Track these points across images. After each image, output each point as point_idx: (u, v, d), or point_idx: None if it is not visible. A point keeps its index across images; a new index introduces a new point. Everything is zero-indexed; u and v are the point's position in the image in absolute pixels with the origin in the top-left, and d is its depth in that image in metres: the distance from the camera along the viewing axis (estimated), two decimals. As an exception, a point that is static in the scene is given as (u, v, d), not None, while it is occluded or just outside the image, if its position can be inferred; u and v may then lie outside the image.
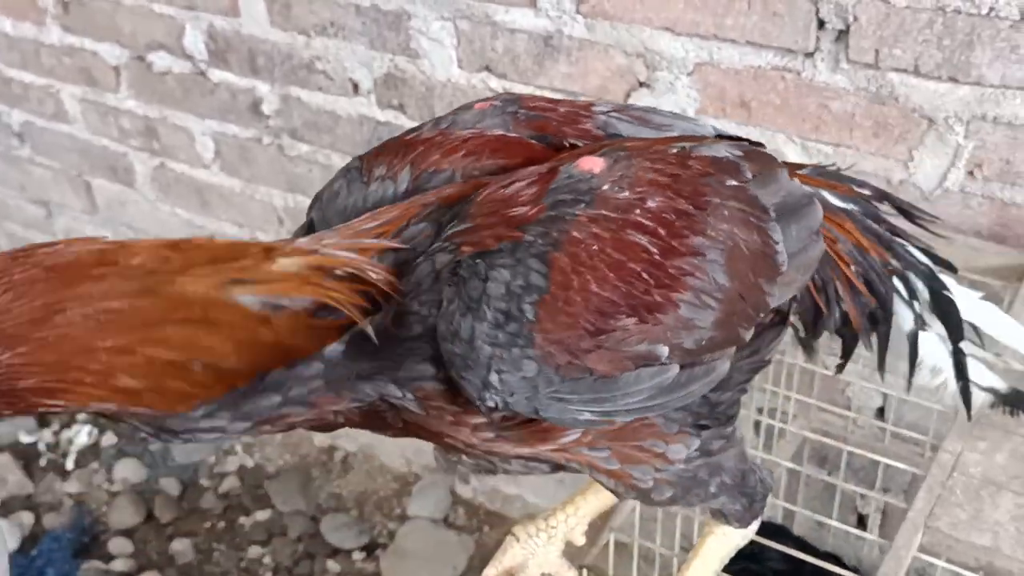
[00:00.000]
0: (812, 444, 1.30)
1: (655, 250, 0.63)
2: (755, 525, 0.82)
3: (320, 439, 2.11)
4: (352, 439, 2.09)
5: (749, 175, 0.69)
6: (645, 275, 0.62)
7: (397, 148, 0.72)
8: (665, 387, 0.63)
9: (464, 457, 0.72)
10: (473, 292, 0.59)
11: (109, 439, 2.15)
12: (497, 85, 1.42)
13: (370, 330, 0.60)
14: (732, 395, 0.73)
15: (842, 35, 1.13)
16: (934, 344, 0.82)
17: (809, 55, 1.16)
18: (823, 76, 1.17)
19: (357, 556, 1.88)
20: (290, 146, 1.72)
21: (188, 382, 0.58)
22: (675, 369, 0.63)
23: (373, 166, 0.71)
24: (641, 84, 1.30)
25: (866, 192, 0.83)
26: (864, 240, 0.79)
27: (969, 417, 0.83)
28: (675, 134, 0.77)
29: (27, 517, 1.95)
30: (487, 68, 1.41)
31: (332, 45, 1.54)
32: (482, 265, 0.60)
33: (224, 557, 1.90)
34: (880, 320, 0.81)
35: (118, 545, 1.91)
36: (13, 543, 1.87)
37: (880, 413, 1.35)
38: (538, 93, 1.14)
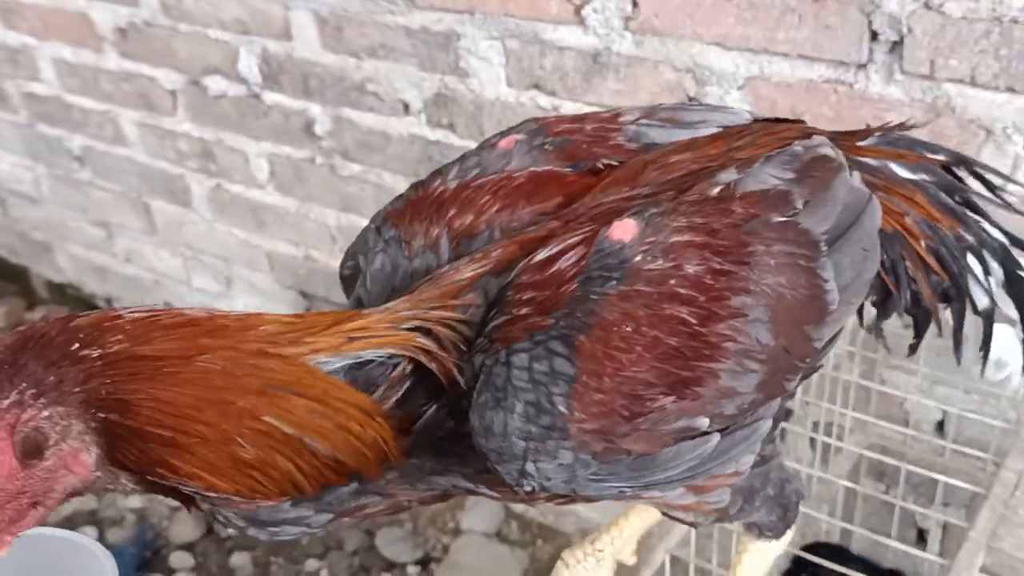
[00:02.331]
0: (869, 461, 1.28)
1: (693, 320, 0.59)
2: (789, 535, 0.80)
3: (374, 454, 2.13)
4: (406, 454, 2.10)
5: (799, 204, 0.64)
6: (683, 350, 0.59)
7: (428, 211, 0.70)
8: (707, 456, 0.61)
9: None
10: (498, 380, 0.57)
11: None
12: (546, 103, 1.42)
13: (460, 379, 0.60)
14: (783, 401, 0.71)
15: (896, 46, 1.12)
16: (1003, 334, 0.78)
17: (862, 67, 1.15)
18: (877, 87, 1.16)
19: (412, 570, 1.90)
20: (342, 166, 1.75)
21: (296, 465, 0.58)
22: (716, 438, 0.61)
23: (411, 237, 0.69)
24: (691, 99, 1.29)
25: (941, 157, 0.78)
26: (936, 212, 0.75)
27: None
28: (711, 131, 0.73)
29: (91, 532, 2.00)
30: (536, 86, 1.42)
31: (382, 67, 1.57)
32: (504, 352, 0.58)
33: (282, 570, 1.92)
34: (953, 298, 0.76)
35: (179, 559, 1.94)
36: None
37: (939, 428, 1.33)
38: (587, 110, 1.14)
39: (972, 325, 0.80)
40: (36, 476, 0.55)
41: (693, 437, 0.60)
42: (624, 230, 0.61)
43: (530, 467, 0.58)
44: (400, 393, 0.60)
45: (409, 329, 0.61)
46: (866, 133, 0.79)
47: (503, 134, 0.75)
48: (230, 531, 0.61)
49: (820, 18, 1.15)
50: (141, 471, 0.57)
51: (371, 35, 1.54)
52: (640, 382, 0.58)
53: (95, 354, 0.55)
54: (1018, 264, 0.78)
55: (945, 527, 1.41)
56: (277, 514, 0.59)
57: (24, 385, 0.54)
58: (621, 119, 0.74)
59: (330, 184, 1.79)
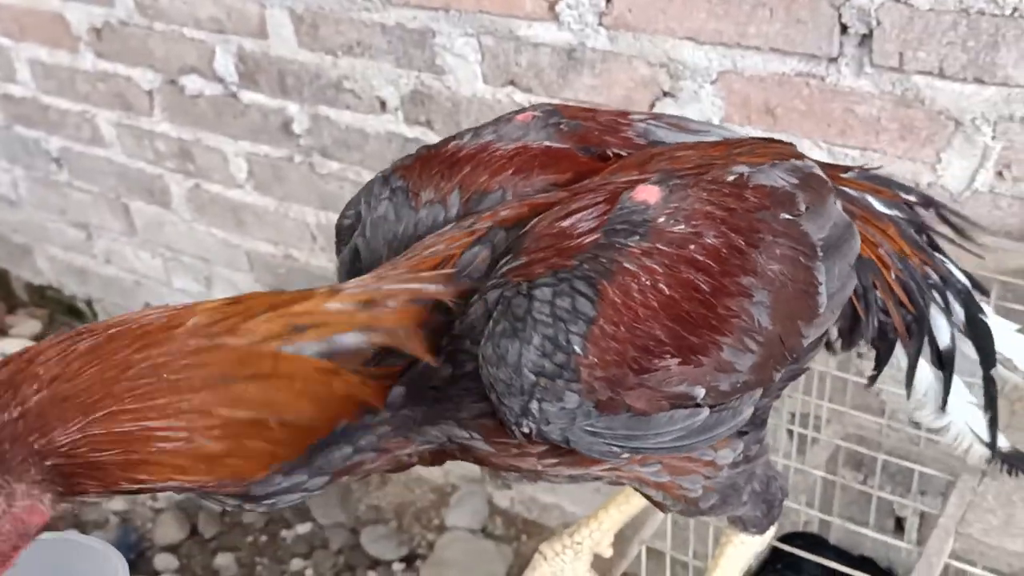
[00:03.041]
0: (846, 451, 1.29)
1: (707, 288, 0.61)
2: (772, 531, 0.82)
3: (358, 452, 2.13)
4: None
5: (803, 207, 0.67)
6: (694, 315, 0.60)
7: (441, 167, 0.70)
8: (694, 429, 0.62)
9: (513, 475, 0.73)
10: (518, 310, 0.58)
11: (152, 456, 2.18)
12: (522, 99, 1.43)
13: (431, 359, 0.59)
14: (770, 400, 0.73)
15: (865, 39, 1.13)
16: (954, 388, 0.81)
17: (833, 60, 1.16)
18: (848, 81, 1.17)
19: (397, 567, 1.90)
20: (321, 164, 1.75)
21: (268, 440, 0.57)
22: (705, 412, 0.62)
23: (420, 189, 0.69)
24: (665, 94, 1.30)
25: (912, 199, 0.82)
26: (906, 248, 0.78)
27: (991, 460, 0.82)
28: (713, 139, 0.75)
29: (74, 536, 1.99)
30: (512, 83, 1.43)
31: (359, 64, 1.57)
32: (526, 285, 0.58)
33: (267, 570, 1.92)
34: (914, 333, 0.79)
35: (164, 561, 1.94)
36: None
37: (916, 416, 1.34)
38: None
39: (928, 371, 0.83)
40: (3, 532, 0.54)
41: (687, 407, 0.62)
42: (648, 193, 0.63)
43: (534, 405, 0.58)
44: (371, 354, 0.59)
45: (363, 308, 0.60)
46: (847, 168, 0.83)
47: (519, 111, 0.76)
48: (228, 507, 0.60)
49: (791, 12, 1.16)
50: (109, 492, 0.56)
51: (347, 32, 1.54)
52: (653, 338, 0.59)
53: (15, 414, 0.53)
54: (979, 308, 0.81)
55: (922, 516, 1.43)
56: (269, 487, 0.58)
57: None
58: (631, 116, 0.76)
59: (309, 182, 1.79)
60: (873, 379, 0.86)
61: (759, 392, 0.67)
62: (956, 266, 0.82)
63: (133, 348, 0.55)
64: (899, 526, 1.46)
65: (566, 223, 0.62)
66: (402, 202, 0.69)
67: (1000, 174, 1.13)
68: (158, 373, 0.55)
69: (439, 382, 0.60)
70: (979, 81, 1.09)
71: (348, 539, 1.96)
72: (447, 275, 0.62)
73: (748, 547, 0.82)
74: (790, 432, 1.25)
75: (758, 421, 0.72)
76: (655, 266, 0.60)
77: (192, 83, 1.81)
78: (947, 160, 1.15)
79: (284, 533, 1.99)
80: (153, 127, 1.94)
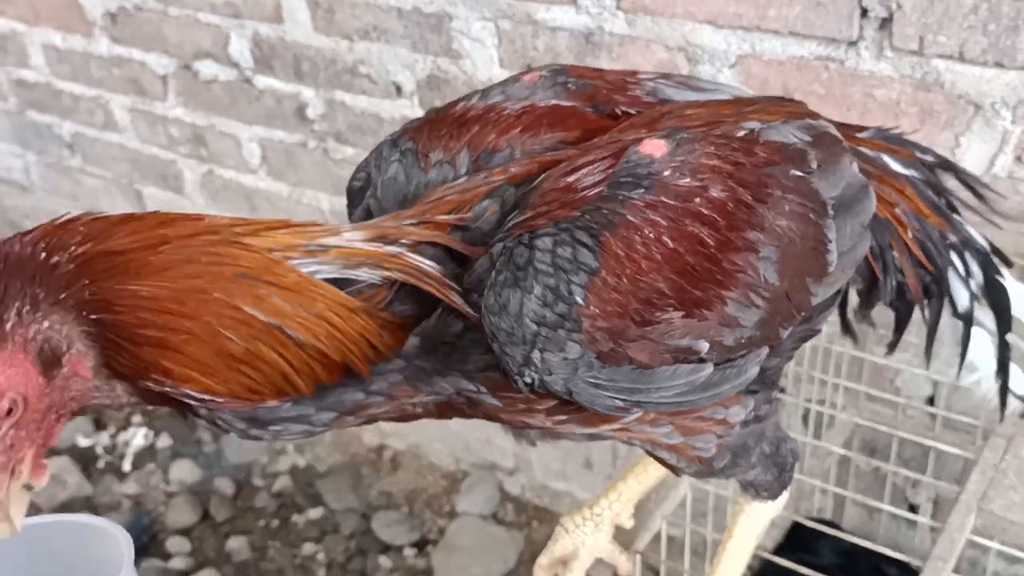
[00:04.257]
0: (862, 432, 1.29)
1: (712, 243, 0.61)
2: (784, 496, 0.82)
3: (369, 438, 2.14)
4: (401, 438, 2.11)
5: (814, 164, 0.67)
6: (698, 269, 0.61)
7: (450, 128, 0.70)
8: (698, 385, 0.63)
9: (534, 432, 0.73)
10: (519, 259, 0.58)
11: (165, 441, 2.19)
12: (539, 83, 1.43)
13: (457, 299, 0.60)
14: (780, 361, 0.73)
15: (885, 23, 1.13)
16: (977, 339, 0.80)
17: (852, 44, 1.16)
18: (867, 64, 1.17)
19: (408, 552, 1.91)
20: (335, 149, 1.75)
21: (282, 357, 0.58)
22: (709, 368, 0.63)
23: (429, 149, 0.69)
24: (683, 78, 1.30)
25: (929, 159, 0.81)
26: (924, 207, 0.78)
27: (1002, 418, 0.82)
28: (724, 97, 0.75)
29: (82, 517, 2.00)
30: (529, 67, 1.43)
31: (375, 49, 1.57)
32: (527, 235, 0.59)
33: (279, 554, 1.93)
34: (934, 294, 0.79)
35: (176, 544, 1.95)
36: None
37: (930, 401, 1.35)
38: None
39: (950, 326, 0.83)
40: (56, 387, 0.56)
41: (690, 361, 0.62)
42: (654, 147, 0.63)
43: (536, 355, 0.58)
44: (390, 296, 0.60)
45: (379, 243, 0.61)
46: (863, 128, 0.82)
47: (526, 71, 0.76)
48: (234, 431, 0.61)
49: (811, -5, 1.16)
50: (136, 377, 0.57)
51: (363, 17, 1.54)
52: (655, 290, 0.59)
53: (64, 258, 0.55)
54: (997, 270, 0.81)
55: (936, 501, 1.43)
56: (277, 413, 0.59)
57: (16, 304, 0.54)
58: (639, 76, 0.76)
59: (323, 168, 1.79)
60: (893, 345, 0.85)
61: (765, 351, 0.67)
62: (975, 230, 0.81)
63: (165, 227, 0.57)
64: (912, 513, 1.47)
65: (572, 178, 0.62)
66: (412, 163, 0.69)
67: (1020, 159, 1.13)
68: (192, 255, 0.56)
69: (451, 337, 0.61)
70: (999, 65, 1.09)
71: (359, 524, 1.97)
72: (458, 223, 0.63)
73: (761, 515, 0.82)
74: (806, 413, 1.25)
75: (768, 381, 0.72)
76: (659, 219, 0.60)
77: (207, 68, 1.81)
78: (966, 145, 1.16)
79: (296, 518, 2.00)
80: (167, 112, 1.95)
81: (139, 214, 0.59)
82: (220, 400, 0.58)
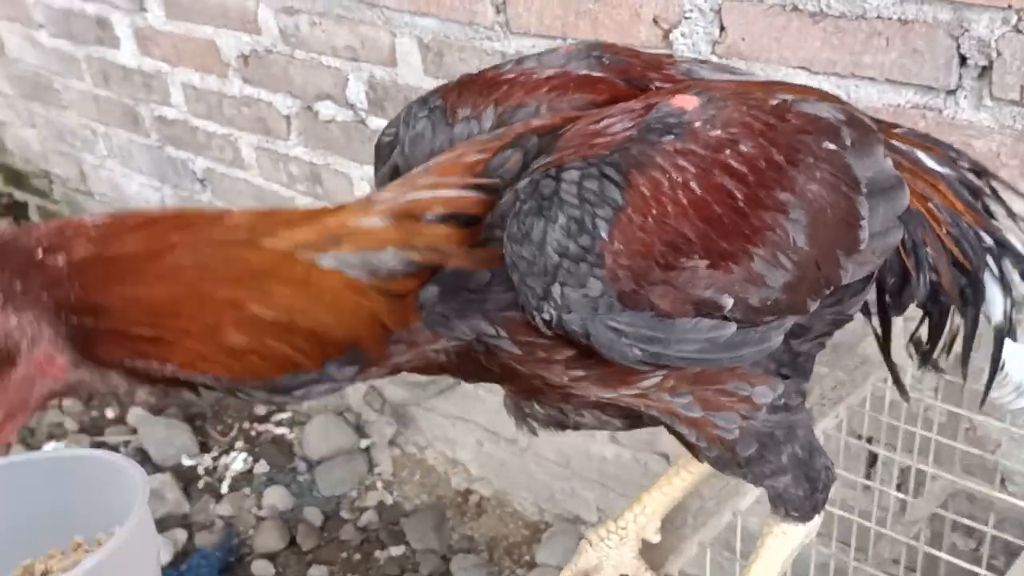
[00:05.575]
0: (954, 510, 1.21)
1: (740, 197, 0.61)
2: (817, 520, 0.78)
3: (457, 482, 2.14)
4: (488, 484, 2.11)
5: (848, 141, 0.66)
6: (725, 220, 0.60)
7: (480, 86, 0.71)
8: (719, 343, 0.61)
9: (536, 406, 0.71)
10: (545, 190, 0.58)
11: (262, 467, 2.26)
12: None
13: (480, 266, 0.59)
14: (812, 347, 0.71)
15: (985, 71, 1.09)
16: (1019, 357, 0.76)
17: (951, 92, 1.13)
18: (966, 114, 1.13)
19: (484, 598, 1.89)
20: (438, 190, 1.79)
21: (290, 345, 0.59)
22: (732, 328, 0.62)
23: (457, 107, 0.70)
24: (776, 125, 1.29)
25: (964, 164, 0.79)
26: (959, 205, 0.75)
27: None
28: (759, 79, 0.75)
29: (181, 534, 2.07)
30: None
31: (480, 92, 1.61)
32: (554, 169, 0.59)
33: (357, 588, 1.95)
34: (970, 300, 0.75)
35: (261, 567, 1.99)
36: (166, 556, 1.99)
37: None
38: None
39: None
40: (10, 386, 0.55)
41: (713, 317, 0.61)
42: (686, 101, 0.63)
43: (556, 289, 0.58)
44: (407, 272, 0.60)
45: (398, 222, 0.61)
46: (897, 125, 0.81)
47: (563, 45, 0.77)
48: (256, 399, 0.61)
49: (907, 41, 1.14)
50: (130, 373, 0.58)
51: (469, 60, 1.60)
52: (681, 235, 0.59)
53: (60, 261, 0.55)
54: None
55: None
56: (296, 379, 0.59)
57: None
58: (675, 58, 0.77)
59: (426, 208, 1.84)
60: (927, 356, 0.81)
61: (791, 321, 0.65)
62: (1013, 236, 0.78)
63: (179, 232, 0.58)
64: None
65: (599, 125, 0.62)
66: (439, 119, 0.70)
67: None
68: (199, 259, 0.57)
69: (473, 284, 0.60)
70: (1108, 116, 1.04)
71: (439, 565, 1.96)
72: (477, 179, 0.62)
73: (790, 538, 0.78)
74: (897, 487, 1.19)
75: (800, 368, 0.70)
76: (688, 165, 0.60)
77: (326, 109, 1.90)
78: (1071, 199, 1.09)
79: (378, 553, 2.02)
80: (288, 151, 2.05)
81: (161, 216, 0.60)
82: (227, 380, 0.59)
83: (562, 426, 0.74)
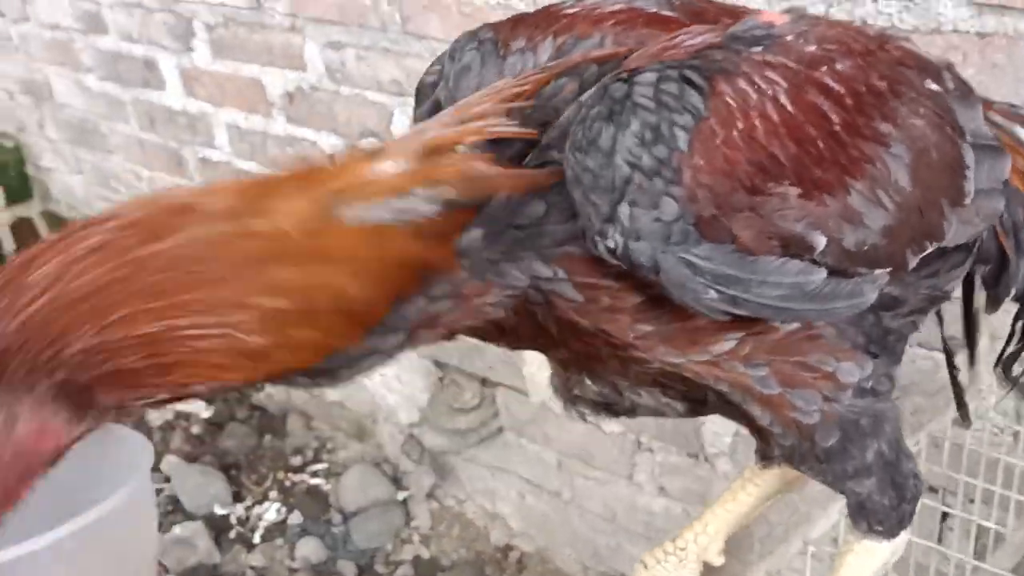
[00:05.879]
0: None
1: (837, 120, 0.54)
2: (903, 539, 0.68)
3: (497, 536, 2.05)
4: (530, 539, 2.01)
5: (951, 85, 0.61)
6: (821, 144, 0.53)
7: (538, 19, 0.63)
8: (806, 292, 0.54)
9: (588, 383, 0.63)
10: (616, 93, 0.50)
11: (296, 518, 2.18)
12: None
13: (524, 187, 0.51)
14: (904, 323, 0.64)
15: (1072, 84, 1.02)
16: None
17: (1033, 109, 1.06)
18: (1050, 131, 1.06)
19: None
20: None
21: (318, 328, 0.50)
22: (822, 274, 0.54)
23: (510, 39, 0.62)
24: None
25: None
26: None
27: None
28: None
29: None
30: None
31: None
32: (626, 74, 0.51)
33: (391, 645, 1.85)
34: None
35: (291, 621, 1.91)
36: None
37: None
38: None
39: None
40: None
41: (802, 259, 0.54)
42: (775, 17, 0.57)
43: (623, 209, 0.50)
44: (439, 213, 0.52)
45: (420, 161, 0.52)
46: (993, 102, 0.75)
47: None
48: (302, 384, 0.53)
49: (985, 56, 1.07)
50: (147, 402, 0.49)
51: (518, 91, 1.56)
52: (770, 156, 0.52)
53: (13, 325, 0.45)
54: None
55: None
56: (336, 361, 0.51)
57: None
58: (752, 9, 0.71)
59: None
60: (1012, 359, 0.74)
61: (885, 277, 0.57)
62: None
63: (148, 240, 0.48)
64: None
65: (674, 41, 0.55)
66: (490, 51, 0.62)
67: None
68: (178, 266, 0.48)
69: (526, 219, 0.52)
70: None
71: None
72: (525, 109, 0.54)
73: (874, 557, 0.68)
74: (977, 531, 1.09)
75: (891, 348, 0.63)
76: (779, 79, 0.53)
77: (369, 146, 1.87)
78: None
79: (413, 610, 1.92)
80: (331, 190, 2.01)
81: (124, 222, 0.48)
82: (260, 380, 0.51)
83: (615, 411, 0.66)
